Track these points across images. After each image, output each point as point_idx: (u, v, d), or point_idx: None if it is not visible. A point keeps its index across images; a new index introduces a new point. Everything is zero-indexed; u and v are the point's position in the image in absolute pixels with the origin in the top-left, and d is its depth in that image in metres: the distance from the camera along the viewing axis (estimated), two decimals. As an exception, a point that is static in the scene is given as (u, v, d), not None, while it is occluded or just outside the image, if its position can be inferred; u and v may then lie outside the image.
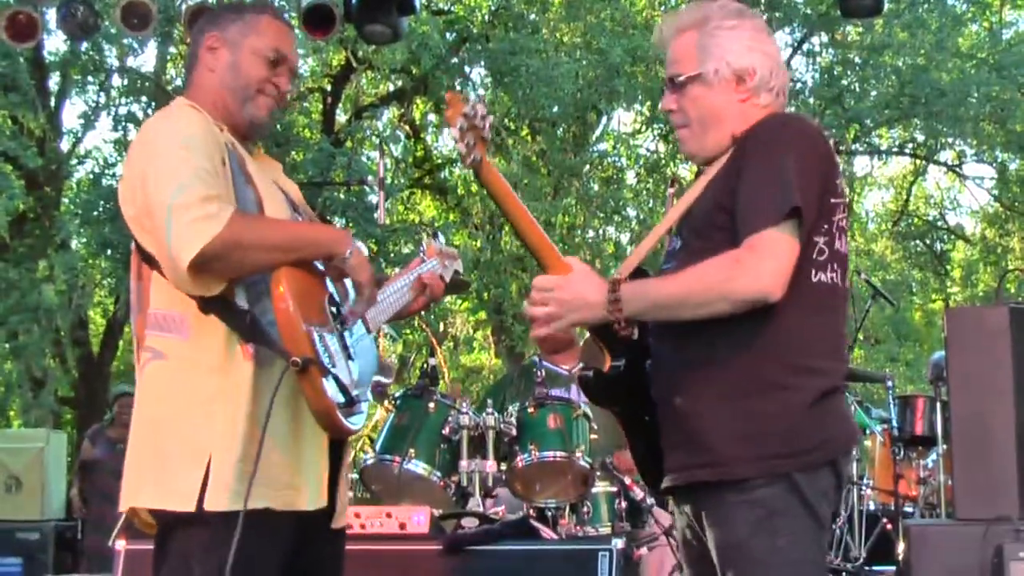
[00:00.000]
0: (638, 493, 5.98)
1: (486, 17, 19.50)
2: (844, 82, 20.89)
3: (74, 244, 18.08)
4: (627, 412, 3.41)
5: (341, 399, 3.17)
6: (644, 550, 5.90)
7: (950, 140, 22.86)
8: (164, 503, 3.20)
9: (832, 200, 3.15)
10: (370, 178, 15.91)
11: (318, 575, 3.49)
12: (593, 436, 5.95)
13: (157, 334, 3.28)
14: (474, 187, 19.88)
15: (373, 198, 17.43)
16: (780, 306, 3.03)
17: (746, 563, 3.09)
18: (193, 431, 3.18)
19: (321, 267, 3.33)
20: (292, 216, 3.48)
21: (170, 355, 3.25)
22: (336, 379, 3.16)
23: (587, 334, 3.38)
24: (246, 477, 3.10)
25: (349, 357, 3.32)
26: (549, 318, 3.16)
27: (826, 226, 3.13)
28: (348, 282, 3.40)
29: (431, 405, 5.88)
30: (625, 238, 21.37)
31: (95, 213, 17.52)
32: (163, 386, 3.25)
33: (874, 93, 20.82)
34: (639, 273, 3.32)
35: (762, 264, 2.99)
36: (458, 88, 18.67)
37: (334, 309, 3.33)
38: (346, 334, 3.34)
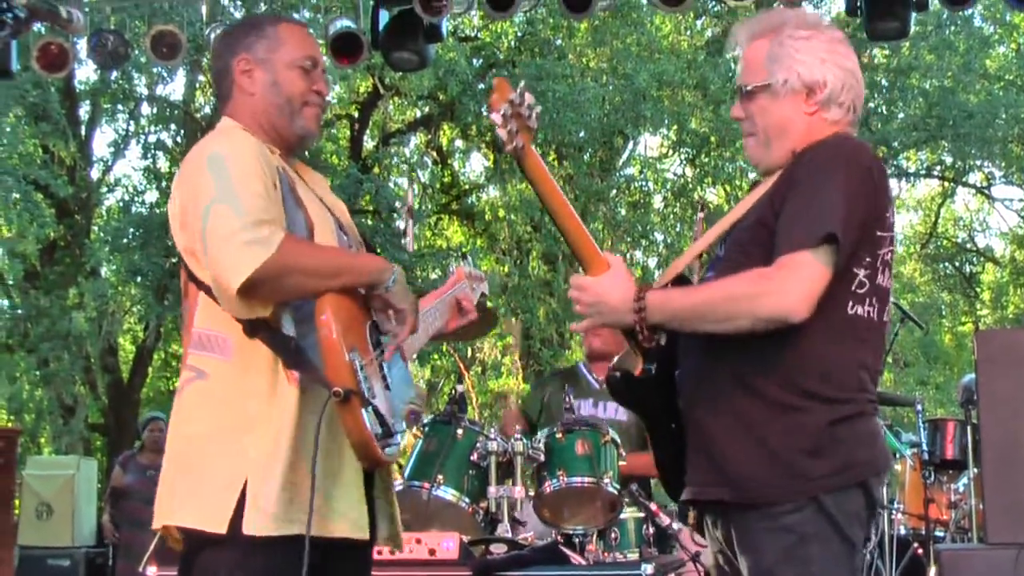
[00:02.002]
0: (664, 519, 5.96)
1: (512, 43, 19.57)
2: (871, 104, 20.83)
3: (104, 271, 18.20)
4: (653, 418, 3.40)
5: (379, 430, 3.17)
6: (672, 576, 5.89)
7: (978, 162, 22.79)
8: (197, 522, 3.19)
9: (879, 233, 3.11)
10: (399, 204, 16.00)
11: None
12: (621, 462, 5.94)
13: (200, 353, 3.29)
14: (502, 212, 19.93)
15: (400, 224, 17.50)
16: (810, 332, 3.02)
17: None
18: (233, 453, 3.18)
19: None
20: (339, 237, 3.48)
21: (212, 375, 3.26)
22: (375, 410, 3.16)
23: None
24: (295, 503, 3.12)
25: (386, 386, 3.33)
26: (582, 315, 3.22)
27: (869, 259, 3.10)
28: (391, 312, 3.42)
29: (459, 431, 5.86)
30: (652, 262, 21.36)
31: (125, 240, 17.66)
32: (204, 405, 3.26)
33: (901, 115, 20.79)
34: (681, 280, 3.32)
35: (788, 284, 2.97)
36: (484, 111, 18.71)
37: (375, 338, 3.35)
38: (383, 362, 3.35)
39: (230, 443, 3.20)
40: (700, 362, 3.20)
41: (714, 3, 18.73)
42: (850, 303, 3.08)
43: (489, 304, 4.31)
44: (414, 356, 3.65)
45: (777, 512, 3.07)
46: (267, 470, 3.15)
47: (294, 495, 3.14)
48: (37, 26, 10.09)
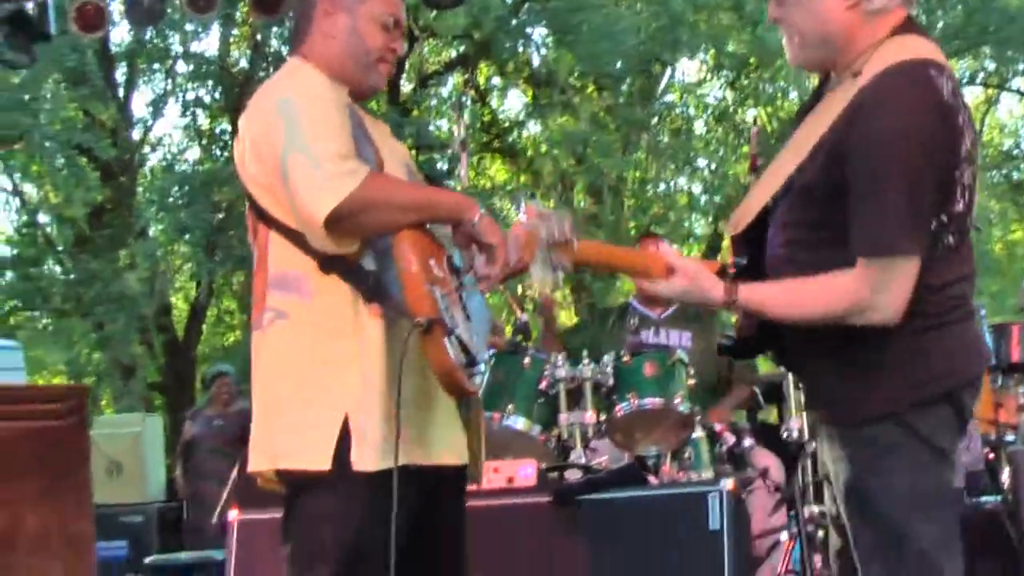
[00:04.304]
0: (730, 438, 5.97)
1: (545, -24, 19.40)
2: (909, 15, 20.54)
3: (152, 231, 18.30)
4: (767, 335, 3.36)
5: (463, 359, 3.17)
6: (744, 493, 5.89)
7: (1021, 67, 22.45)
8: (299, 463, 3.21)
9: (955, 174, 2.98)
10: (453, 136, 15.95)
11: (445, 531, 3.50)
12: (690, 381, 5.93)
13: (279, 293, 3.28)
14: (543, 147, 19.86)
15: (442, 166, 17.46)
16: None
17: (861, 502, 3.08)
18: (327, 390, 3.20)
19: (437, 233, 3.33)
20: (409, 176, 3.49)
21: (293, 315, 3.26)
22: (459, 339, 3.16)
23: None
24: (391, 436, 3.13)
25: (467, 317, 3.33)
26: None
27: (943, 200, 2.98)
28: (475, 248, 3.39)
29: (526, 360, 5.87)
30: (697, 188, 21.26)
31: (170, 200, 17.72)
32: (290, 345, 3.26)
33: (941, 24, 20.47)
34: (759, 223, 3.24)
35: (881, 299, 2.95)
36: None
37: (453, 270, 3.35)
38: (463, 293, 3.35)
39: (322, 380, 3.21)
40: None
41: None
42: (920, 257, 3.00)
43: None
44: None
45: (860, 424, 3.07)
46: (366, 404, 3.17)
47: (394, 427, 3.15)
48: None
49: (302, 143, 3.13)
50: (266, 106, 3.29)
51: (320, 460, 3.17)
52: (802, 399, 5.61)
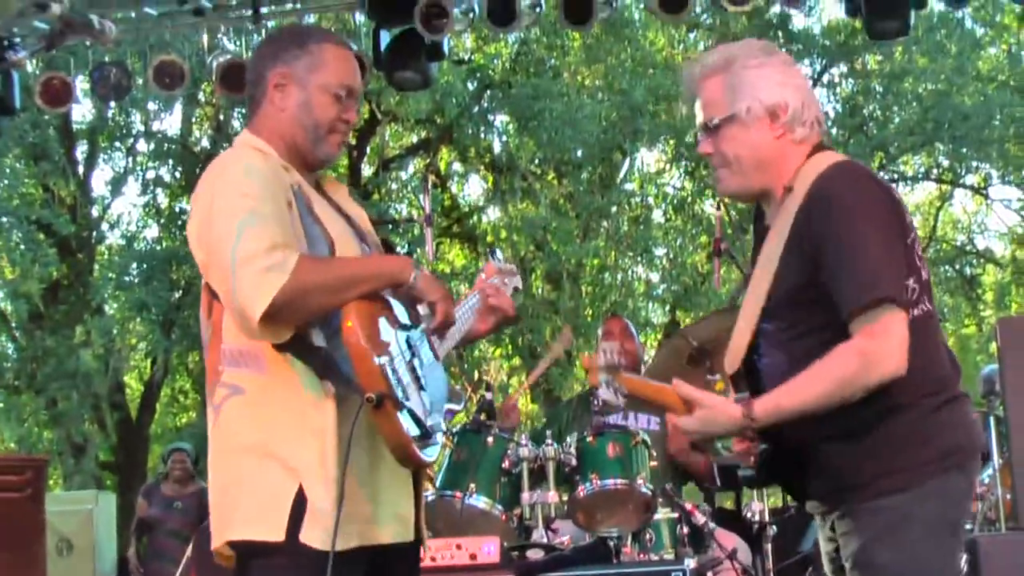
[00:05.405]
0: (699, 518, 5.95)
1: (507, 64, 19.61)
2: (866, 111, 20.86)
3: (108, 309, 18.19)
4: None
5: (416, 432, 3.17)
6: (709, 575, 5.87)
7: (975, 164, 22.80)
8: (252, 533, 3.18)
9: (907, 242, 3.18)
10: (415, 215, 15.99)
11: None
12: (653, 463, 5.94)
13: (233, 370, 3.27)
14: (503, 233, 19.95)
15: (401, 245, 17.49)
16: None
17: (875, 569, 3.13)
18: (281, 463, 3.18)
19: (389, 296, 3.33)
20: (360, 247, 3.46)
21: (249, 390, 3.24)
22: (411, 412, 3.16)
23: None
24: (349, 515, 3.13)
25: (421, 388, 3.31)
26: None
27: (908, 265, 3.16)
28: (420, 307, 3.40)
29: (489, 439, 5.87)
30: (655, 277, 21.36)
31: (128, 277, 17.66)
32: (246, 419, 3.25)
33: (897, 120, 20.82)
34: (748, 355, 3.36)
35: (883, 350, 3.04)
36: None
37: (406, 336, 3.32)
38: (415, 363, 3.33)
39: (276, 453, 3.19)
40: None
41: (707, 16, 18.77)
42: (909, 311, 3.12)
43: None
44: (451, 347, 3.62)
45: (875, 497, 3.14)
46: (323, 482, 3.15)
47: (348, 507, 3.13)
48: (37, 64, 10.16)
49: (234, 235, 3.11)
50: (208, 191, 3.27)
51: (273, 531, 3.15)
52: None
